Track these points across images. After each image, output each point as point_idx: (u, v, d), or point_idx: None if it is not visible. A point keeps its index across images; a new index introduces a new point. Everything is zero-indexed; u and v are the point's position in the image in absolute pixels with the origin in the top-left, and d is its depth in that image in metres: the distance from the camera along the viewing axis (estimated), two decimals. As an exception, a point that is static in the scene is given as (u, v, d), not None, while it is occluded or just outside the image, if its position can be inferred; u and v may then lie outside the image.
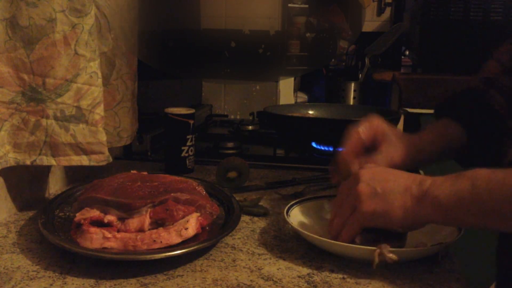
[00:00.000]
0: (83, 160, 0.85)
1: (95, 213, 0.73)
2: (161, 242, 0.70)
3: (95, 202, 0.75)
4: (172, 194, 0.76)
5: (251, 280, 0.66)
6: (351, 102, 2.00)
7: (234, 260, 0.71)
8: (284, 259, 0.72)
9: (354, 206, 0.69)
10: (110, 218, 0.73)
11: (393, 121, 1.23)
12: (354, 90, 2.00)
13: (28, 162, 0.82)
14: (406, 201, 0.66)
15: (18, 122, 0.80)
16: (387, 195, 0.67)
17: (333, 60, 2.32)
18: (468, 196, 0.62)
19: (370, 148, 0.80)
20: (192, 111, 1.10)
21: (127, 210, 0.73)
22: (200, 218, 0.76)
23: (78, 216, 0.73)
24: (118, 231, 0.72)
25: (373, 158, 0.78)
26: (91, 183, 0.82)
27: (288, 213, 0.79)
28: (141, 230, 0.72)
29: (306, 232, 0.73)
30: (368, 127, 0.80)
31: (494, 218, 0.61)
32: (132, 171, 0.91)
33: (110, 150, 0.89)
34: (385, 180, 0.68)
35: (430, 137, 0.83)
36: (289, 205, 0.81)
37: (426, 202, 0.64)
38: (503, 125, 0.81)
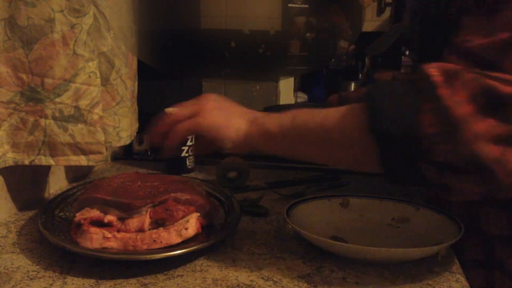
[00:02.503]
0: (82, 160, 0.85)
1: (95, 213, 0.73)
2: (161, 242, 0.70)
3: (95, 202, 0.75)
4: (172, 194, 0.76)
5: (251, 280, 0.66)
6: (351, 102, 2.00)
7: (234, 260, 0.71)
8: (284, 259, 0.72)
9: (196, 112, 0.73)
10: (110, 218, 0.72)
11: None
12: (354, 90, 2.00)
13: (26, 162, 0.82)
14: (241, 123, 0.73)
15: (17, 122, 0.80)
16: (228, 113, 0.74)
17: (333, 60, 2.32)
18: (288, 125, 0.70)
19: None
20: (192, 111, 1.10)
21: (127, 210, 0.73)
22: (200, 218, 0.76)
23: (78, 216, 0.73)
24: (118, 231, 0.72)
25: None
26: (91, 183, 0.82)
27: (288, 213, 0.79)
28: (141, 230, 0.72)
29: (306, 232, 0.73)
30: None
31: (306, 144, 0.69)
32: (132, 171, 0.91)
33: (110, 150, 0.89)
34: (229, 103, 0.76)
35: None
36: (289, 205, 0.81)
37: (254, 126, 0.72)
38: None
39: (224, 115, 0.73)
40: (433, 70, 0.57)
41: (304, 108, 0.73)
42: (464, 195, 0.59)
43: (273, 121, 0.72)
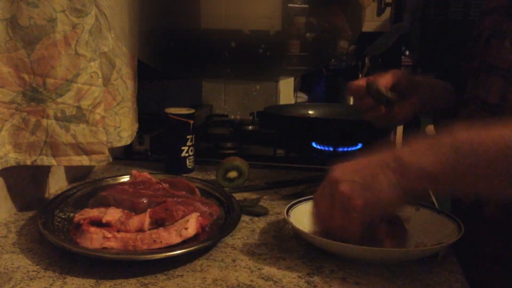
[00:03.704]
0: (84, 160, 0.85)
1: (94, 213, 0.73)
2: (161, 242, 0.70)
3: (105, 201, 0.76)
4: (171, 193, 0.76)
5: (251, 280, 0.66)
6: (351, 102, 2.00)
7: (234, 260, 0.71)
8: (284, 259, 0.72)
9: (345, 208, 0.66)
10: (108, 218, 0.73)
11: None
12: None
13: (28, 162, 0.82)
14: (390, 178, 0.63)
15: (19, 122, 0.80)
16: (369, 182, 0.64)
17: (333, 60, 2.32)
18: (452, 161, 0.60)
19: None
20: (192, 111, 1.10)
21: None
22: (200, 218, 0.76)
23: (77, 217, 0.74)
24: (118, 231, 0.72)
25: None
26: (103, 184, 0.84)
27: (288, 213, 0.79)
28: (141, 230, 0.72)
29: (306, 232, 0.73)
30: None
31: (481, 179, 0.60)
32: (132, 171, 0.91)
33: (110, 150, 0.90)
34: (357, 170, 0.66)
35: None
36: (289, 205, 0.81)
37: (410, 174, 0.62)
38: None
39: (367, 187, 0.64)
40: None
41: (459, 132, 0.62)
42: None
43: (429, 160, 0.61)
